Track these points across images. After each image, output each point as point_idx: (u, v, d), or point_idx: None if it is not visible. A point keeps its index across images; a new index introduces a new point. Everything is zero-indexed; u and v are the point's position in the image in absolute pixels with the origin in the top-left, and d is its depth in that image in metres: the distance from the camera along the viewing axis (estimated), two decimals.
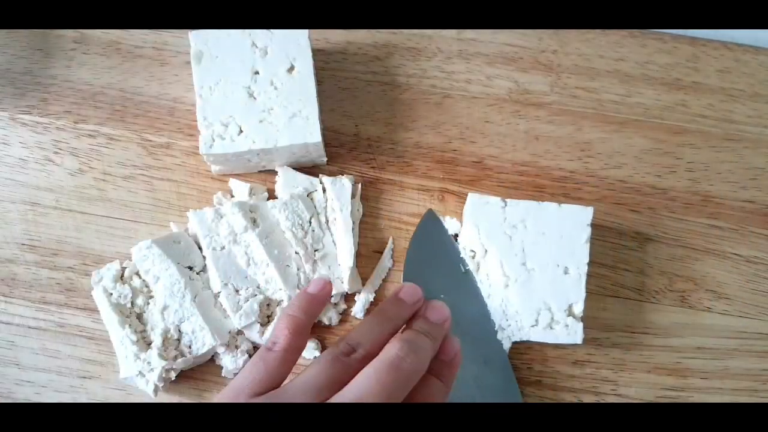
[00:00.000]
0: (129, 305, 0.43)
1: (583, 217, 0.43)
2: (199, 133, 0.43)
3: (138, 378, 0.41)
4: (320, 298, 0.36)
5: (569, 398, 0.43)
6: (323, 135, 0.43)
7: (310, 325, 0.35)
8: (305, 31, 0.44)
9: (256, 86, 0.43)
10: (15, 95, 0.47)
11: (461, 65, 0.49)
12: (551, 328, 0.42)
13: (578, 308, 0.42)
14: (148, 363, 0.41)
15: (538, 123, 0.48)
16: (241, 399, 0.31)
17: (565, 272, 0.42)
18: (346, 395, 0.31)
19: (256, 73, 0.44)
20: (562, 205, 0.43)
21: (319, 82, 0.46)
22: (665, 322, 0.45)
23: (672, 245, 0.46)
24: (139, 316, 0.43)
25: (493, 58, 0.49)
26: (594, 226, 0.45)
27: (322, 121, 0.44)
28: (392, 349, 0.32)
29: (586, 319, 0.43)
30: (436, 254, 0.44)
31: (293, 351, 0.34)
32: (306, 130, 0.43)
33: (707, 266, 0.46)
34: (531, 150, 0.47)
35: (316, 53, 0.45)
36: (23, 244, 0.45)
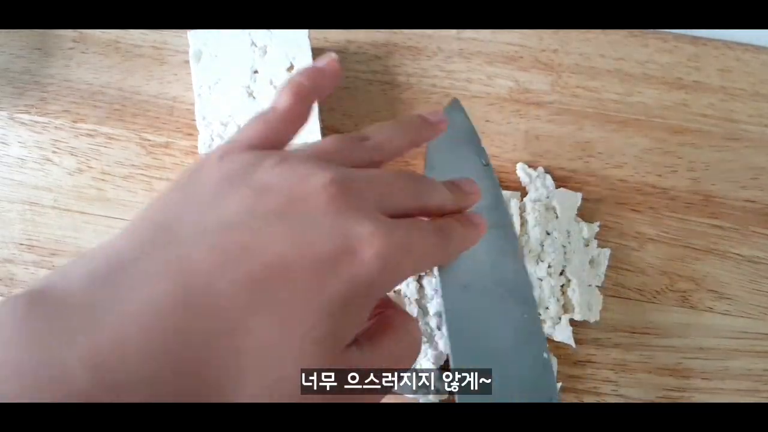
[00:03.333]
0: None
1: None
2: (198, 133, 0.42)
3: None
4: (329, 71, 0.33)
5: (570, 398, 0.43)
6: (323, 135, 0.43)
7: (314, 97, 0.32)
8: (305, 31, 0.44)
9: (256, 86, 0.43)
10: (13, 94, 0.47)
11: (461, 64, 0.48)
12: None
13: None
14: None
15: (538, 122, 0.48)
16: (235, 150, 0.27)
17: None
18: (359, 171, 0.28)
19: (256, 72, 0.43)
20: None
21: None
22: (666, 322, 0.45)
23: (673, 245, 0.46)
24: None
25: (493, 57, 0.49)
26: (595, 223, 0.45)
27: (321, 120, 0.44)
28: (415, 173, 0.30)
29: (588, 320, 0.43)
30: (458, 144, 0.43)
31: (295, 114, 0.30)
32: (306, 130, 0.42)
33: (708, 266, 0.46)
34: (532, 149, 0.47)
35: (316, 53, 0.45)
36: (21, 244, 0.45)
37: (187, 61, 0.44)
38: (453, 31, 0.49)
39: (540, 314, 0.43)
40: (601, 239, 0.45)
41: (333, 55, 0.33)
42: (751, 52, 0.49)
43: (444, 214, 0.31)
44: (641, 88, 0.48)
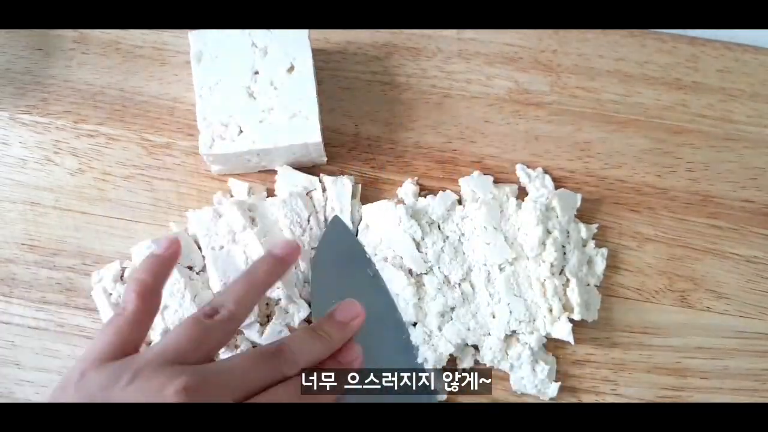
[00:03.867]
0: None
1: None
2: (199, 133, 0.43)
3: None
4: (167, 259, 0.35)
5: (569, 398, 0.43)
6: (323, 135, 0.43)
7: (160, 287, 0.35)
8: (305, 31, 0.44)
9: (256, 86, 0.43)
10: (15, 95, 0.47)
11: (461, 65, 0.49)
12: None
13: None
14: None
15: (537, 123, 0.48)
16: (91, 367, 0.30)
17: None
18: (213, 364, 0.31)
19: (256, 73, 0.44)
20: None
21: (319, 82, 0.46)
22: (665, 321, 0.45)
23: (672, 245, 0.46)
24: None
25: (492, 57, 0.49)
26: (593, 225, 0.45)
27: (321, 120, 0.44)
28: (271, 345, 0.33)
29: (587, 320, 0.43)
30: (343, 259, 0.44)
31: (144, 314, 0.33)
32: (306, 130, 0.43)
33: (707, 266, 0.46)
34: (531, 150, 0.47)
35: (316, 53, 0.45)
36: (23, 244, 0.45)
37: (188, 62, 0.44)
38: (453, 32, 0.49)
39: (541, 316, 0.43)
40: (600, 239, 0.46)
41: (172, 237, 0.36)
42: (750, 52, 0.49)
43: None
44: (640, 88, 0.48)
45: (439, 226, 0.44)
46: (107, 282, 0.43)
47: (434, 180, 0.47)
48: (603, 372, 0.44)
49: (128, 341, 0.32)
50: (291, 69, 0.44)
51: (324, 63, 0.48)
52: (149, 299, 0.33)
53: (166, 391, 0.28)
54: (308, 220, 0.44)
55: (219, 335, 0.32)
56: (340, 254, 0.44)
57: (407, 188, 0.45)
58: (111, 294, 0.43)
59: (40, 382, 0.43)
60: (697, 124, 0.48)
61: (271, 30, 0.44)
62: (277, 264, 0.36)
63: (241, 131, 0.42)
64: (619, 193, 0.47)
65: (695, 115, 0.48)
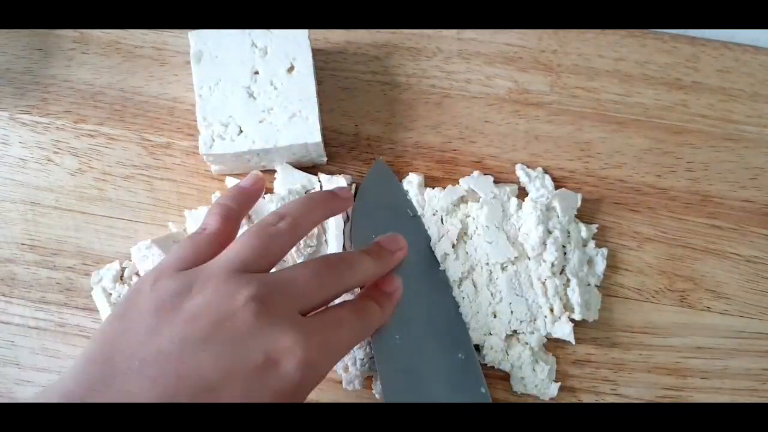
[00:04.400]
0: None
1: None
2: (199, 133, 0.43)
3: None
4: (252, 192, 0.38)
5: (569, 398, 0.43)
6: (323, 135, 0.43)
7: (241, 216, 0.36)
8: (305, 31, 0.44)
9: (256, 86, 0.43)
10: (15, 95, 0.47)
11: (461, 65, 0.49)
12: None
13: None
14: None
15: (537, 123, 0.48)
16: (165, 274, 0.31)
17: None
18: (275, 273, 0.32)
19: (256, 73, 0.44)
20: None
21: (319, 82, 0.46)
22: (665, 321, 0.45)
23: (672, 245, 0.46)
24: None
25: (492, 57, 0.49)
26: (593, 225, 0.45)
27: (321, 120, 0.44)
28: (329, 254, 0.35)
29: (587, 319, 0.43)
30: (385, 200, 0.45)
31: (223, 236, 0.34)
32: (306, 130, 0.43)
33: (707, 266, 0.46)
34: (531, 150, 0.47)
35: (316, 53, 0.45)
36: (23, 244, 0.45)
37: (188, 62, 0.44)
38: (453, 32, 0.49)
39: (543, 315, 0.43)
40: (600, 239, 0.46)
41: (258, 174, 0.39)
42: (750, 52, 0.49)
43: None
44: (640, 88, 0.48)
45: (441, 219, 0.44)
46: (107, 282, 0.43)
47: (434, 180, 0.47)
48: (603, 372, 0.44)
49: (203, 258, 0.32)
50: (291, 69, 0.44)
51: (324, 63, 0.48)
52: (230, 223, 0.35)
53: (235, 299, 0.29)
54: None
55: (281, 244, 0.33)
56: (382, 195, 0.45)
57: (412, 179, 0.45)
58: (111, 294, 0.43)
59: (40, 382, 0.43)
60: (697, 124, 0.48)
61: (271, 30, 0.44)
62: (332, 196, 0.39)
63: (241, 131, 0.42)
64: (619, 193, 0.47)
65: (695, 115, 0.48)
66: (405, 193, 0.45)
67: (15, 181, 0.46)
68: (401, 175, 0.46)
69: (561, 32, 0.49)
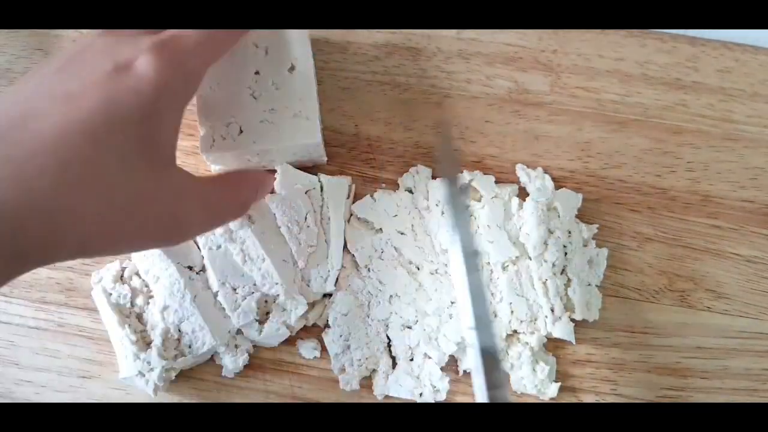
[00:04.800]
0: (128, 305, 0.43)
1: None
2: (199, 133, 0.42)
3: (138, 378, 0.41)
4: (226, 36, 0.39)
5: (569, 398, 0.43)
6: (323, 135, 0.43)
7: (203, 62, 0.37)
8: (305, 31, 0.44)
9: (257, 86, 0.43)
10: None
11: (461, 65, 0.49)
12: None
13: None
14: (148, 363, 0.41)
15: (537, 123, 0.48)
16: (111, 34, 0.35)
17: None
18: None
19: (257, 73, 0.43)
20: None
21: (319, 82, 0.46)
22: (665, 321, 0.45)
23: (672, 245, 0.46)
24: (139, 316, 0.43)
25: (492, 57, 0.49)
26: (594, 225, 0.45)
27: (322, 121, 0.44)
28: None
29: (587, 319, 0.43)
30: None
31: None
32: (306, 131, 0.43)
33: (707, 266, 0.46)
34: (531, 150, 0.47)
35: (317, 53, 0.45)
36: None
37: None
38: (453, 32, 0.49)
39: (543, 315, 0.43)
40: (600, 239, 0.46)
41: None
42: (750, 52, 0.49)
43: None
44: (640, 88, 0.48)
45: (443, 211, 0.44)
46: (107, 282, 0.43)
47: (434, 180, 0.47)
48: (603, 372, 0.44)
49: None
50: (291, 69, 0.44)
51: (324, 63, 0.48)
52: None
53: (139, 44, 0.32)
54: (305, 218, 0.44)
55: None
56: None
57: (420, 169, 0.46)
58: (111, 294, 0.43)
59: (39, 382, 0.43)
60: (697, 124, 0.48)
61: (272, 30, 0.44)
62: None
63: (241, 131, 0.42)
64: (619, 193, 0.47)
65: (695, 115, 0.48)
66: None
67: None
68: (401, 175, 0.46)
69: (561, 32, 0.49)
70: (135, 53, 0.31)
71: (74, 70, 0.31)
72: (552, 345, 0.44)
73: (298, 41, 0.44)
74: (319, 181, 0.45)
